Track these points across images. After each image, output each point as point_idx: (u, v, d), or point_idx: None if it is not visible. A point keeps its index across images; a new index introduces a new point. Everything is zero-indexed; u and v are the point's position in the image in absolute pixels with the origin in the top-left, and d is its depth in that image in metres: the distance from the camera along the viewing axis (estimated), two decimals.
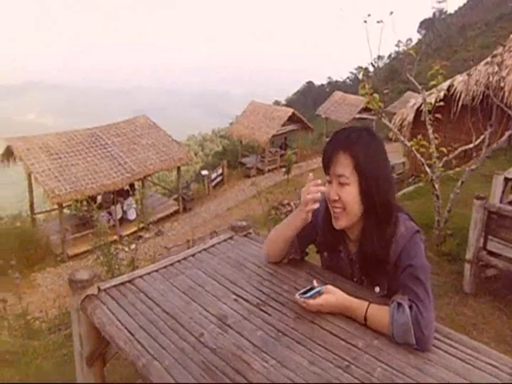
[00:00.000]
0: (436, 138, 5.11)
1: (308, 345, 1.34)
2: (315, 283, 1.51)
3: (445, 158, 5.11)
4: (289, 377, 1.21)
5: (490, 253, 3.80)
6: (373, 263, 1.58)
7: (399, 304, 1.40)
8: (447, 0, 60.07)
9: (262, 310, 1.51)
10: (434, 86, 5.12)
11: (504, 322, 3.50)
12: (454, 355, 1.35)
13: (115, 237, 11.76)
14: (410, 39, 65.34)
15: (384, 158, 1.55)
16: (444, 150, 4.98)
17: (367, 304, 1.45)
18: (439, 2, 61.72)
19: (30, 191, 13.05)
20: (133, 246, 10.30)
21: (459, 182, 4.91)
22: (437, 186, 4.98)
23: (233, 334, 1.38)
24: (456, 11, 61.58)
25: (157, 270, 1.77)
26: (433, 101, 9.41)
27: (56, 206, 12.04)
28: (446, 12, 62.67)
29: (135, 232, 13.00)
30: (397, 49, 65.99)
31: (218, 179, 19.14)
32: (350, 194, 1.48)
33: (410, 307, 1.39)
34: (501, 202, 4.44)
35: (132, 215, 13.54)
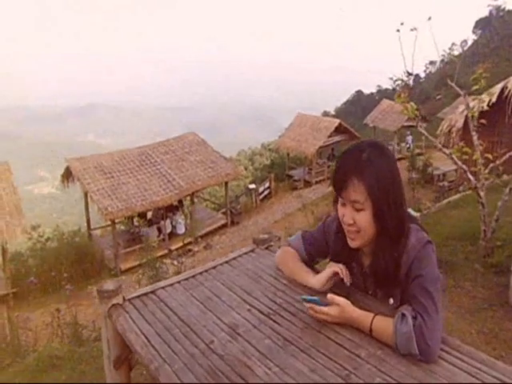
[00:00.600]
0: (481, 145, 4.94)
1: (312, 353, 1.40)
2: (332, 297, 1.52)
3: (491, 165, 4.92)
4: (289, 383, 1.27)
5: None
6: (385, 275, 1.60)
7: (403, 314, 1.42)
8: None
9: (272, 319, 1.58)
10: (477, 90, 4.96)
11: None
12: (460, 368, 1.34)
13: (165, 251, 12.22)
14: (465, 41, 62.85)
15: (395, 176, 1.54)
16: (490, 156, 4.80)
17: (373, 315, 1.48)
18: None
19: (87, 208, 13.88)
20: (182, 260, 10.65)
21: (507, 189, 4.71)
22: (482, 193, 4.79)
23: (241, 342, 1.46)
24: None
25: (179, 282, 1.90)
26: (485, 105, 9.14)
27: (109, 222, 12.66)
28: (504, 9, 59.59)
29: (184, 246, 13.43)
30: (450, 52, 63.68)
31: (266, 192, 19.30)
32: (365, 219, 1.50)
33: (415, 317, 1.40)
34: None
35: (181, 230, 13.97)
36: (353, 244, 1.58)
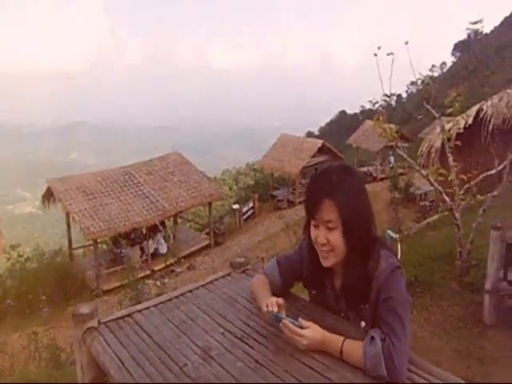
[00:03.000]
0: (456, 166, 5.08)
1: (283, 376, 1.42)
2: (301, 321, 1.57)
3: (466, 186, 5.07)
4: None
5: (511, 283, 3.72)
6: (356, 297, 1.66)
7: (372, 337, 1.46)
8: (483, 20, 58.74)
9: (245, 342, 1.61)
10: (452, 113, 5.12)
11: None
12: None
13: (148, 272, 12.09)
14: (445, 63, 64.78)
15: (364, 197, 1.63)
16: (464, 177, 4.94)
17: (343, 339, 1.52)
18: (474, 23, 60.82)
19: (68, 229, 13.71)
20: (165, 281, 10.54)
21: (481, 210, 4.84)
22: (457, 215, 4.92)
23: (214, 365, 1.48)
24: (492, 31, 60.49)
25: (155, 305, 1.91)
26: (461, 126, 9.40)
27: (91, 242, 12.52)
28: (481, 32, 61.68)
29: (167, 266, 13.31)
30: (431, 74, 65.32)
31: (250, 212, 19.35)
32: (337, 238, 1.57)
33: (384, 339, 1.44)
34: None
35: (163, 250, 13.90)
36: (326, 263, 1.63)
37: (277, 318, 1.59)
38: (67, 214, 13.26)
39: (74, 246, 14.36)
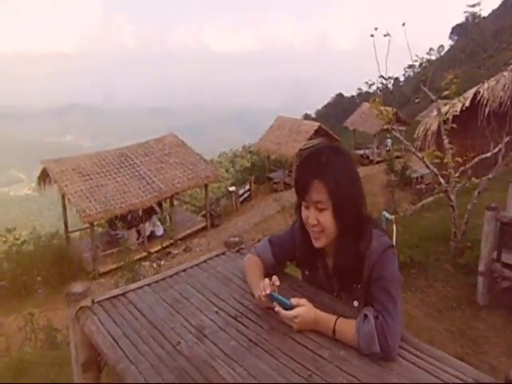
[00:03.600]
0: (451, 148, 5.08)
1: (276, 354, 1.43)
2: (293, 301, 1.57)
3: (461, 168, 5.07)
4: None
5: (505, 265, 3.74)
6: (348, 277, 1.66)
7: (365, 315, 1.47)
8: (481, 3, 58.22)
9: (238, 321, 1.61)
10: (448, 95, 5.10)
11: None
12: (419, 366, 1.39)
13: (144, 253, 12.11)
14: (442, 46, 64.40)
15: (354, 177, 1.62)
16: (459, 159, 4.94)
17: (336, 317, 1.52)
18: (472, 6, 60.26)
19: (64, 211, 13.64)
20: (162, 263, 10.59)
21: (476, 193, 4.85)
22: (452, 196, 4.93)
23: (208, 344, 1.49)
24: (490, 14, 60.01)
25: (149, 284, 1.91)
26: (458, 109, 9.35)
27: (87, 225, 12.50)
28: (479, 16, 61.19)
29: (164, 248, 13.35)
30: (428, 57, 65.02)
31: (246, 195, 19.35)
32: (327, 218, 1.56)
33: (377, 317, 1.45)
34: None
35: (160, 232, 13.91)
36: (317, 244, 1.63)
37: (272, 298, 1.58)
38: (63, 196, 13.19)
39: (70, 228, 14.32)
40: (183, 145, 16.29)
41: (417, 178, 16.25)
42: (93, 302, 1.73)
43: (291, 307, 1.54)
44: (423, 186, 14.57)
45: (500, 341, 3.37)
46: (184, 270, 2.02)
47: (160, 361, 1.41)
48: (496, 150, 4.95)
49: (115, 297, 1.80)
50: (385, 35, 4.52)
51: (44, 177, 13.80)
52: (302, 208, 1.63)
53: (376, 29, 4.55)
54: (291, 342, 1.49)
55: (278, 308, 1.56)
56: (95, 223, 12.59)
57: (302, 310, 1.53)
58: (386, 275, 1.53)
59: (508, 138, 4.88)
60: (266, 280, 1.64)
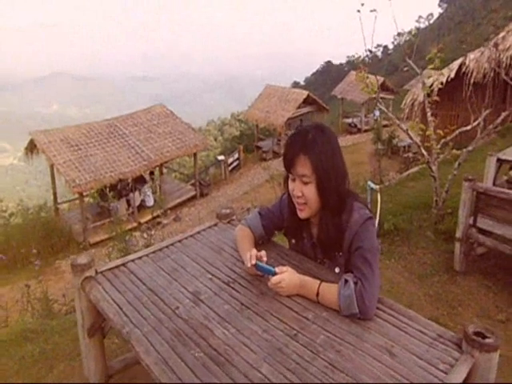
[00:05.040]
0: (434, 121, 5.21)
1: (265, 316, 1.60)
2: (277, 269, 1.73)
3: (442, 140, 5.21)
4: (243, 342, 1.47)
5: (480, 231, 3.95)
6: (331, 246, 1.82)
7: (346, 280, 1.63)
8: None
9: (231, 286, 1.77)
10: (432, 69, 5.18)
11: (489, 299, 3.67)
12: (392, 323, 1.58)
13: (134, 224, 12.24)
14: (431, 14, 63.65)
15: (337, 154, 1.74)
16: (441, 132, 5.07)
17: (319, 282, 1.69)
18: None
19: (53, 182, 13.60)
20: (152, 232, 10.70)
21: (456, 164, 5.02)
22: (434, 167, 5.09)
23: (203, 307, 1.65)
24: None
25: (147, 255, 2.05)
26: (443, 80, 9.41)
27: (77, 196, 12.51)
28: None
29: (154, 218, 13.46)
30: (417, 24, 64.39)
31: (235, 164, 19.40)
32: (311, 191, 1.71)
33: (356, 283, 1.61)
34: (494, 182, 4.55)
35: (150, 202, 13.99)
36: (301, 215, 1.78)
37: (258, 268, 1.74)
38: (51, 167, 13.13)
39: (58, 200, 14.32)
40: (172, 115, 16.19)
41: (404, 146, 16.46)
42: (96, 272, 1.87)
43: (275, 274, 1.69)
44: (410, 155, 14.77)
45: (473, 303, 3.61)
46: (179, 241, 2.17)
47: (161, 323, 1.57)
48: (476, 123, 5.09)
49: (117, 267, 1.94)
50: (371, 11, 4.54)
51: (31, 147, 13.67)
52: (289, 180, 1.77)
53: (363, 4, 4.56)
54: (279, 305, 1.65)
55: (266, 276, 1.72)
56: (85, 194, 12.60)
57: (286, 275, 1.69)
58: (365, 245, 1.68)
59: (487, 112, 5.01)
60: (253, 251, 1.79)
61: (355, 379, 1.31)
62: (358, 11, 4.57)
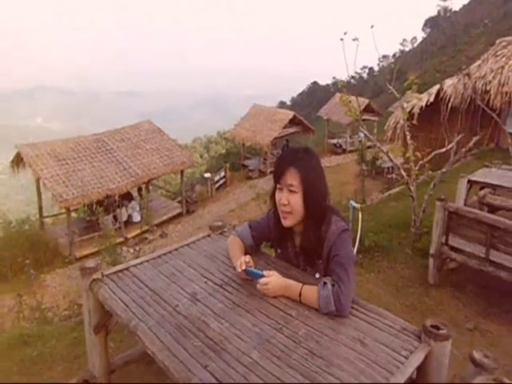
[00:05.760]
0: (413, 144, 5.56)
1: (254, 313, 1.83)
2: (264, 273, 1.96)
3: (420, 162, 5.56)
4: (236, 334, 1.70)
5: (452, 248, 4.25)
6: (311, 254, 2.07)
7: (324, 282, 1.88)
8: None
9: (224, 288, 2.00)
10: (410, 94, 5.54)
11: (459, 310, 3.97)
12: (364, 320, 1.82)
13: (121, 239, 12.33)
14: (415, 37, 65.82)
15: (321, 174, 2.03)
16: (418, 154, 5.42)
17: (301, 285, 1.93)
18: (444, 0, 61.89)
19: (39, 196, 13.60)
20: (137, 248, 10.83)
21: (432, 185, 5.35)
22: (412, 188, 5.42)
23: (200, 306, 1.87)
24: (461, 9, 61.68)
25: (147, 261, 2.27)
26: (423, 104, 9.87)
27: (64, 210, 12.54)
28: (450, 10, 62.88)
29: (140, 234, 13.58)
30: (401, 48, 66.52)
31: (221, 182, 19.64)
32: (297, 200, 1.96)
33: (333, 285, 1.86)
34: (465, 203, 4.88)
35: (137, 218, 14.08)
36: (285, 223, 2.02)
37: (248, 272, 1.98)
38: (37, 180, 13.15)
39: (43, 214, 14.26)
40: (159, 131, 16.41)
41: (388, 168, 16.87)
42: (102, 275, 2.08)
43: (263, 277, 1.93)
44: (394, 176, 15.16)
45: (444, 313, 3.90)
46: (176, 249, 2.40)
47: (163, 319, 1.79)
48: (450, 146, 5.45)
49: (120, 271, 2.16)
50: (353, 39, 4.88)
51: (18, 161, 13.68)
52: (277, 192, 2.02)
53: (345, 33, 4.91)
54: (266, 304, 1.89)
55: (255, 280, 1.96)
56: (71, 208, 12.65)
57: (273, 278, 1.93)
58: (341, 253, 1.93)
59: (460, 136, 5.38)
60: (243, 258, 2.03)
61: (331, 363, 1.55)
62: (341, 40, 4.88)
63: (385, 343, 1.66)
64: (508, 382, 1.52)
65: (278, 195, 2.01)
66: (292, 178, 1.94)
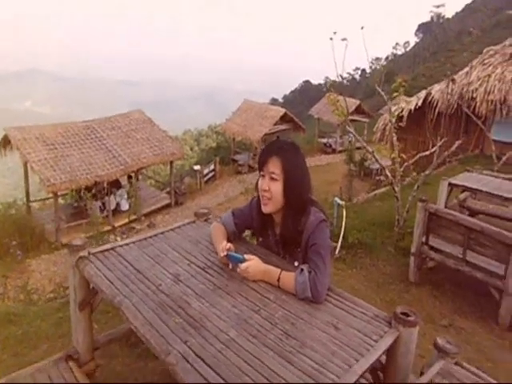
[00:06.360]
0: (398, 146, 5.68)
1: (234, 295, 1.91)
2: (246, 256, 2.04)
3: (405, 164, 5.68)
4: (215, 313, 1.77)
5: (432, 248, 4.38)
6: (291, 243, 2.15)
7: (302, 269, 1.96)
8: (445, 5, 60.80)
9: (206, 271, 2.08)
10: (396, 97, 5.66)
11: (436, 307, 4.10)
12: (339, 306, 1.91)
13: (109, 227, 12.30)
14: (408, 42, 66.41)
15: (303, 164, 2.12)
16: (404, 156, 5.54)
17: (280, 270, 2.01)
18: (437, 7, 62.61)
19: (26, 180, 13.49)
20: (124, 236, 10.84)
21: (415, 186, 5.48)
22: (397, 188, 5.55)
23: (182, 286, 1.94)
24: (454, 16, 62.33)
25: (133, 242, 2.34)
26: (412, 108, 10.02)
27: (51, 195, 12.47)
28: (443, 16, 63.57)
29: (128, 223, 13.57)
30: (394, 51, 67.08)
31: (210, 175, 19.65)
32: (277, 188, 2.04)
33: (310, 272, 1.94)
34: (446, 205, 5.02)
35: (125, 206, 14.06)
36: (265, 209, 2.10)
37: (229, 257, 2.05)
38: (25, 164, 13.05)
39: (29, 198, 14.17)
40: (149, 121, 16.38)
41: (377, 169, 17.00)
42: (89, 253, 2.14)
43: (244, 261, 2.01)
44: (382, 178, 15.28)
45: (422, 310, 4.03)
46: (162, 233, 2.46)
47: (147, 296, 1.85)
48: (433, 149, 5.59)
49: (106, 250, 2.22)
50: (342, 39, 4.95)
51: (5, 143, 13.56)
52: (260, 179, 2.10)
53: (335, 33, 4.97)
54: (245, 287, 1.97)
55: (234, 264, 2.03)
56: (59, 193, 12.58)
57: (253, 262, 2.01)
58: (319, 242, 2.02)
59: (443, 140, 5.51)
60: (224, 243, 2.11)
61: (305, 345, 1.64)
62: (331, 39, 4.96)
63: (357, 328, 1.75)
64: (467, 365, 1.62)
65: (260, 182, 2.10)
66: (274, 166, 2.02)
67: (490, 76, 9.95)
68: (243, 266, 1.99)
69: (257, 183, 2.14)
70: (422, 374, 1.91)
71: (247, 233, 2.51)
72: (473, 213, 4.99)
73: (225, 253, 2.06)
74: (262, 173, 2.08)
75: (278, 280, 1.99)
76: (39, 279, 9.27)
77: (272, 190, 2.04)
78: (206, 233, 2.47)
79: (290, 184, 2.03)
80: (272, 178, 2.03)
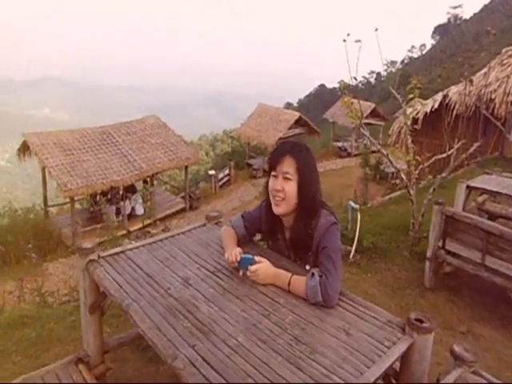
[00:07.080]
0: (413, 148, 5.58)
1: (244, 299, 1.88)
2: (256, 258, 2.01)
3: (420, 166, 5.58)
4: (224, 318, 1.74)
5: (449, 252, 4.28)
6: (301, 247, 2.11)
7: (312, 273, 1.92)
8: (462, 6, 59.98)
9: (216, 275, 2.05)
10: (411, 99, 5.55)
11: (453, 313, 4.00)
12: (350, 311, 1.87)
13: (123, 231, 12.40)
14: (424, 45, 65.75)
15: (316, 169, 2.09)
16: (419, 158, 5.44)
17: (291, 274, 1.97)
18: (454, 8, 61.81)
19: (44, 185, 13.72)
20: (138, 241, 10.78)
21: (431, 189, 5.37)
22: (412, 192, 5.45)
23: (192, 290, 1.92)
24: (471, 17, 61.48)
25: (143, 246, 2.33)
26: (428, 110, 9.88)
27: (68, 200, 12.65)
28: (461, 18, 62.73)
29: (143, 227, 13.64)
30: (410, 54, 66.49)
31: (225, 179, 19.69)
32: (292, 187, 2.00)
33: (321, 276, 1.90)
34: (464, 208, 4.90)
35: (140, 211, 14.16)
36: (277, 210, 2.05)
37: (240, 260, 2.01)
38: (43, 169, 13.26)
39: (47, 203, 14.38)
40: (164, 126, 16.49)
41: (392, 173, 16.79)
42: (99, 256, 2.14)
43: (254, 262, 1.97)
44: (398, 181, 15.06)
45: (438, 316, 3.92)
46: (172, 236, 2.45)
47: (155, 300, 1.84)
48: (450, 152, 5.48)
49: (116, 254, 2.21)
50: (356, 41, 4.89)
51: (24, 149, 13.80)
52: (271, 179, 2.05)
53: (348, 34, 4.92)
54: (255, 291, 1.94)
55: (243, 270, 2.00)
56: (76, 198, 12.75)
57: (263, 265, 1.98)
58: (329, 245, 1.98)
59: (460, 142, 5.40)
60: (236, 249, 2.07)
61: (315, 350, 1.59)
62: (344, 41, 4.90)
63: (369, 334, 1.70)
64: (486, 374, 1.56)
65: (271, 182, 2.05)
66: (288, 165, 1.98)
67: (509, 77, 9.77)
68: (253, 268, 1.96)
69: (266, 184, 2.11)
70: (438, 381, 1.85)
71: (258, 237, 2.48)
72: (492, 216, 4.87)
73: (235, 264, 2.02)
74: (274, 173, 2.04)
75: (289, 284, 1.95)
76: (55, 282, 9.37)
77: (286, 190, 2.00)
78: (216, 236, 2.45)
79: (304, 184, 1.99)
80: (286, 178, 1.99)
